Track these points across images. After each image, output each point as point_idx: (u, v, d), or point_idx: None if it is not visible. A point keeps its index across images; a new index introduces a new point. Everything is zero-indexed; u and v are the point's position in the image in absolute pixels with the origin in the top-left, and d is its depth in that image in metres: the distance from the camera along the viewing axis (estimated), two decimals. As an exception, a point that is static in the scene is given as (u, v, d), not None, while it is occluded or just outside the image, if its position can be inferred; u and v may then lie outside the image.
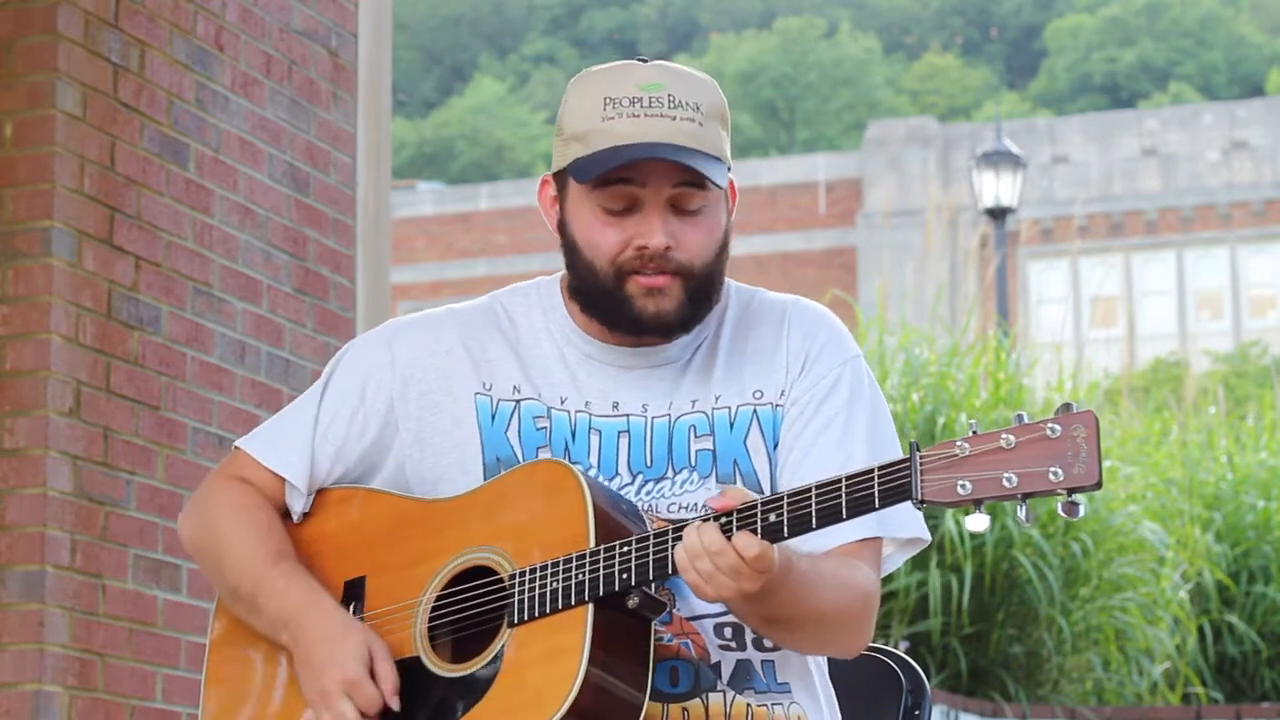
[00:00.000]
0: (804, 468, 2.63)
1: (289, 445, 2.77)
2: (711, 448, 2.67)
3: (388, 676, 2.61)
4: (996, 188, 18.60)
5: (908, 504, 2.60)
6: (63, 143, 5.01)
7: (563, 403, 2.70)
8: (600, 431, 2.69)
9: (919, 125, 33.13)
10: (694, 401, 2.69)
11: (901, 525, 2.68)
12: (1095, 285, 30.67)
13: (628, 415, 2.69)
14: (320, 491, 2.79)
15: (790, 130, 52.81)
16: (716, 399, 2.69)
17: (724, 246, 2.69)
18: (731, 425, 2.68)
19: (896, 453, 2.70)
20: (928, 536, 2.73)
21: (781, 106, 53.16)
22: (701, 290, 2.66)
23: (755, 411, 2.69)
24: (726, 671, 2.65)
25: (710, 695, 2.64)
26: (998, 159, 18.65)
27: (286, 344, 5.70)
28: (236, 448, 2.82)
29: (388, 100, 6.42)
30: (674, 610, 2.64)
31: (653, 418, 2.69)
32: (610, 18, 59.30)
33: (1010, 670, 8.82)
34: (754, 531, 2.44)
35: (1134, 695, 9.19)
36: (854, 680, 2.66)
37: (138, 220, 5.21)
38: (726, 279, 2.78)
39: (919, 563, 8.54)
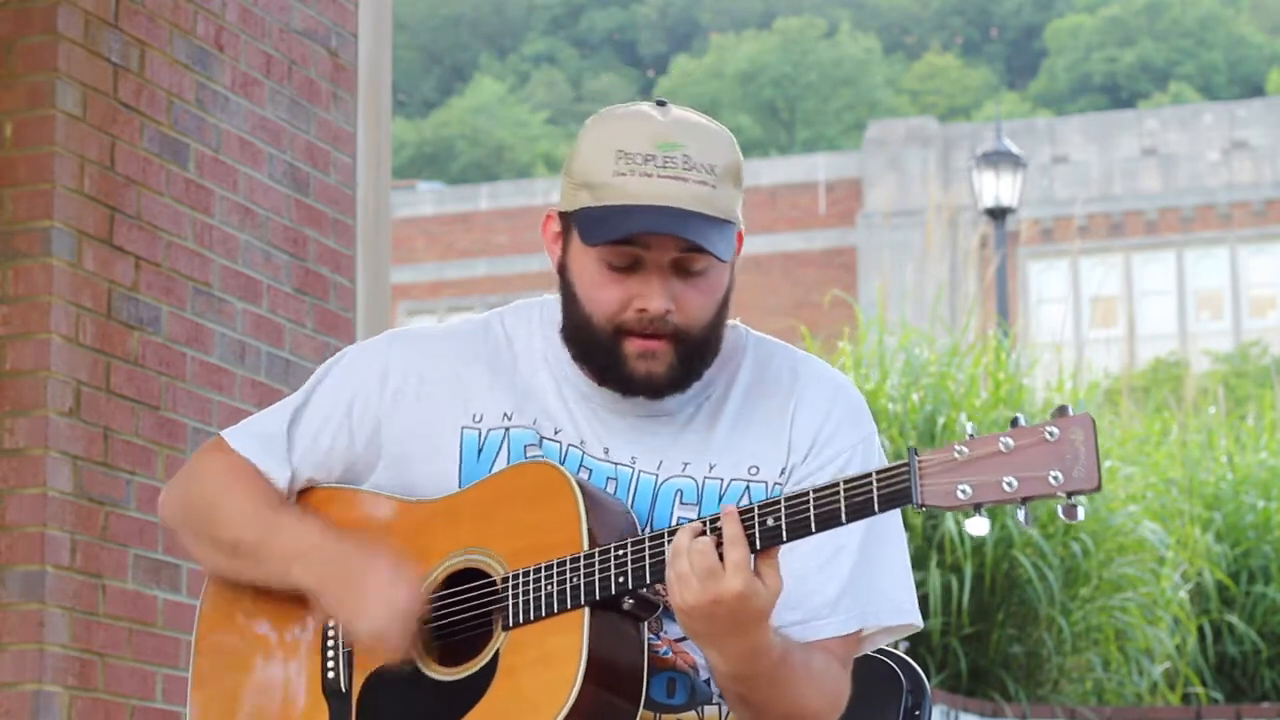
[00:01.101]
0: (799, 551, 2.55)
1: (273, 445, 2.73)
2: (696, 517, 2.60)
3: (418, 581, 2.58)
4: (996, 188, 18.60)
5: (902, 584, 2.62)
6: (63, 143, 5.01)
7: (556, 433, 2.66)
8: (591, 470, 2.64)
9: (919, 125, 33.14)
10: (685, 465, 2.64)
11: (892, 612, 2.64)
12: (1095, 285, 30.66)
13: (616, 464, 2.64)
14: (305, 491, 2.75)
15: (790, 130, 52.81)
16: (711, 467, 2.63)
17: (725, 303, 2.63)
18: (721, 497, 2.62)
19: (898, 525, 2.68)
20: (919, 623, 2.68)
21: (781, 106, 53.17)
22: (695, 352, 2.60)
23: (748, 487, 2.63)
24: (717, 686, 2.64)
25: (705, 708, 2.62)
26: (998, 159, 18.64)
27: (286, 344, 5.70)
28: (221, 438, 2.77)
29: (388, 100, 6.42)
30: (663, 632, 2.61)
31: (640, 472, 2.63)
32: (610, 18, 59.31)
33: (1010, 670, 8.82)
34: (751, 535, 2.42)
35: (1134, 695, 9.19)
36: (854, 681, 2.66)
37: (138, 220, 5.21)
38: (747, 331, 2.73)
39: (919, 563, 8.53)
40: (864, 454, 2.67)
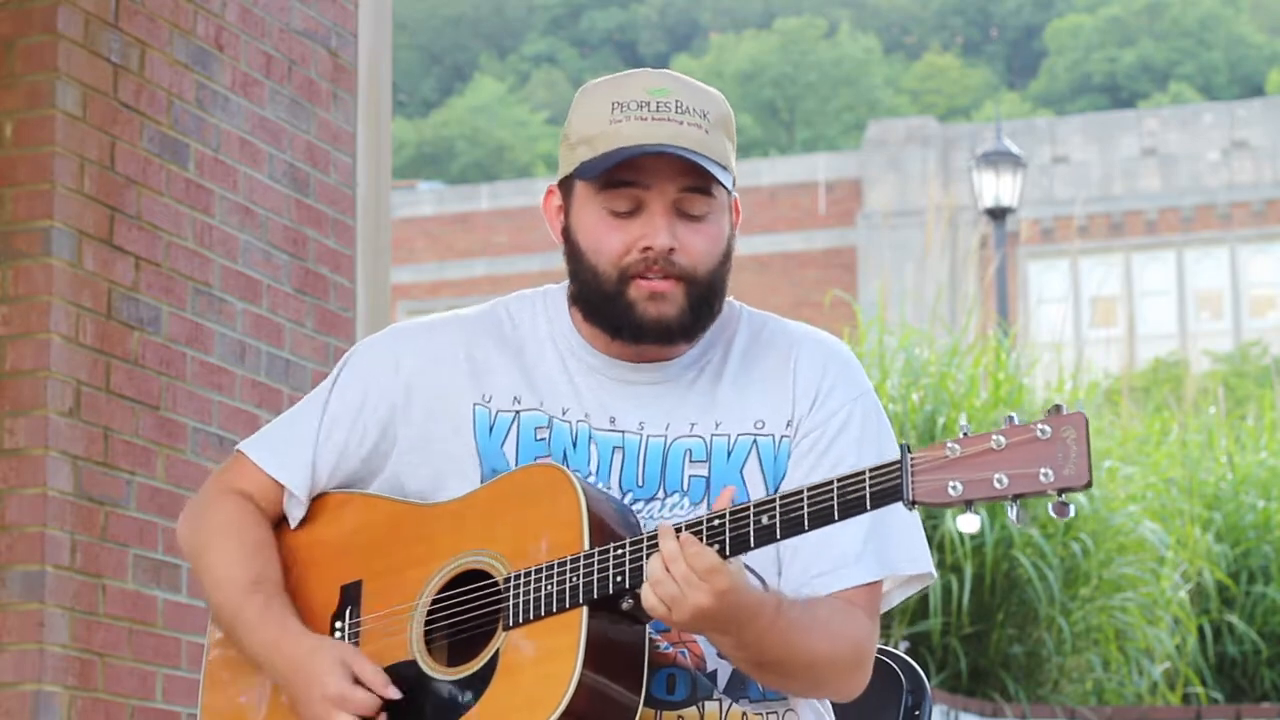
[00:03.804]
0: None
1: (291, 453, 2.77)
2: (706, 474, 2.66)
3: (373, 677, 2.61)
4: (996, 188, 18.59)
5: (916, 538, 2.65)
6: (63, 143, 5.01)
7: (564, 413, 2.70)
8: (598, 444, 2.68)
9: (919, 125, 33.11)
10: (693, 425, 2.68)
11: (910, 562, 2.68)
12: (1095, 285, 30.66)
13: (623, 432, 2.68)
14: (318, 496, 2.79)
15: (790, 130, 52.80)
16: (717, 425, 2.68)
17: (727, 256, 2.68)
18: (729, 454, 2.67)
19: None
20: (933, 573, 2.72)
21: (781, 106, 53.15)
22: (704, 298, 2.65)
23: (755, 441, 2.68)
24: (723, 679, 2.66)
25: (706, 703, 2.64)
26: (998, 159, 18.63)
27: (286, 344, 5.70)
28: (239, 451, 2.82)
29: (388, 100, 6.42)
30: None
31: (648, 436, 2.68)
32: (610, 18, 59.30)
33: (1010, 670, 8.81)
34: (745, 535, 2.44)
35: (1134, 695, 9.19)
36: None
37: (138, 220, 5.21)
38: (741, 304, 2.78)
39: (919, 563, 8.52)
40: (864, 409, 2.71)
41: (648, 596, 2.46)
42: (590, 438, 2.68)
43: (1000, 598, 8.73)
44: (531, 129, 53.64)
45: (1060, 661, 8.94)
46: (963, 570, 8.57)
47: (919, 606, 8.66)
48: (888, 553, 2.65)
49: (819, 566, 2.61)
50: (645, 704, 2.56)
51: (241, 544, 2.75)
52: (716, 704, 2.65)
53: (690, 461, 2.67)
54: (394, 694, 2.60)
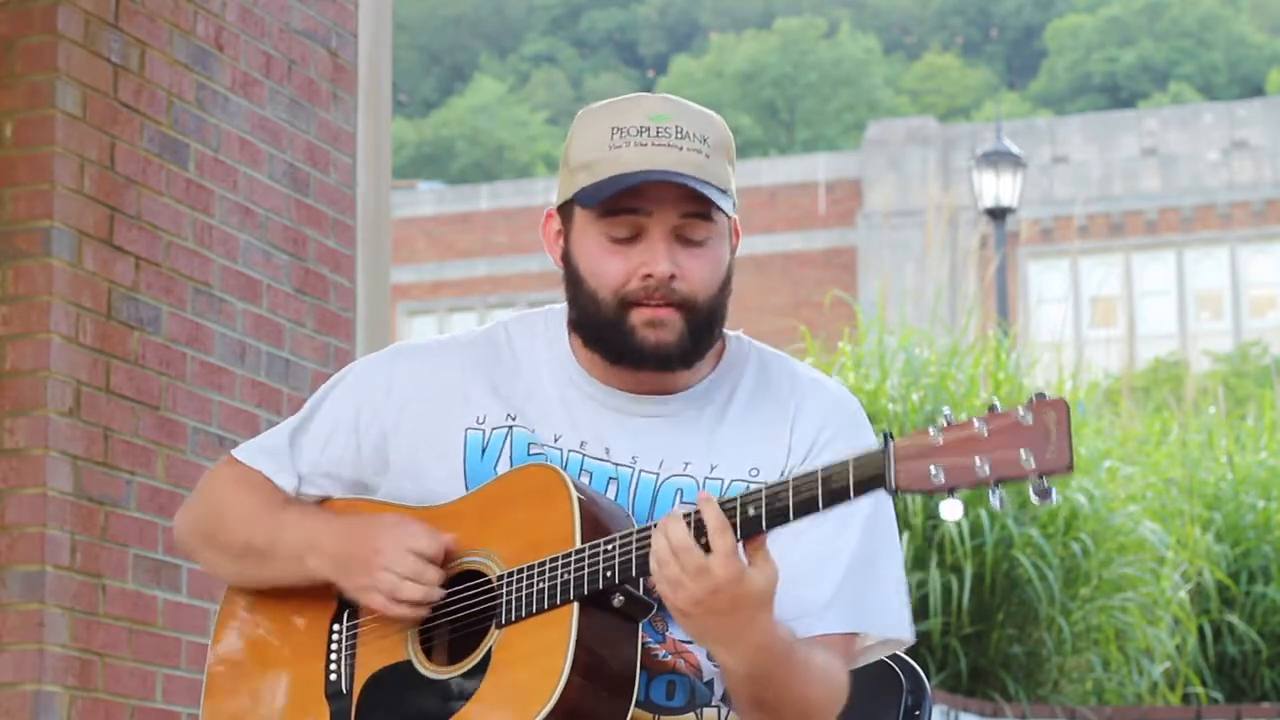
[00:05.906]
0: (795, 552, 2.57)
1: (278, 462, 2.78)
2: None
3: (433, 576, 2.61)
4: (996, 188, 18.59)
5: (896, 602, 2.63)
6: (63, 143, 5.01)
7: (556, 440, 2.68)
8: (591, 473, 2.66)
9: (919, 125, 33.13)
10: (687, 464, 2.66)
11: (887, 626, 2.66)
12: (1095, 285, 30.67)
13: (617, 464, 2.67)
14: (322, 502, 2.80)
15: (790, 130, 52.81)
16: (712, 468, 2.66)
17: (727, 281, 2.67)
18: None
19: (894, 545, 2.69)
20: (911, 638, 2.69)
21: (781, 106, 53.16)
22: (703, 325, 2.63)
23: (748, 488, 2.60)
24: (719, 688, 2.66)
25: (705, 710, 2.64)
26: (998, 159, 18.64)
27: (286, 344, 5.70)
28: (231, 456, 2.82)
29: (388, 100, 6.42)
30: (667, 632, 2.64)
31: (640, 471, 2.66)
32: (610, 18, 59.31)
33: (1010, 670, 8.81)
34: (734, 525, 2.43)
35: (1134, 695, 9.18)
36: (854, 681, 2.66)
37: (138, 220, 5.21)
38: (751, 341, 2.77)
39: (919, 563, 8.53)
40: None
41: (656, 578, 2.45)
42: (582, 466, 2.67)
43: (1000, 598, 8.73)
44: (531, 129, 53.65)
45: (1060, 661, 8.94)
46: (963, 570, 8.57)
47: (919, 606, 8.66)
48: (862, 608, 2.62)
49: (786, 616, 2.56)
50: (645, 709, 2.57)
51: (258, 486, 2.76)
52: (715, 710, 2.65)
53: (681, 501, 2.64)
54: (448, 540, 2.61)
